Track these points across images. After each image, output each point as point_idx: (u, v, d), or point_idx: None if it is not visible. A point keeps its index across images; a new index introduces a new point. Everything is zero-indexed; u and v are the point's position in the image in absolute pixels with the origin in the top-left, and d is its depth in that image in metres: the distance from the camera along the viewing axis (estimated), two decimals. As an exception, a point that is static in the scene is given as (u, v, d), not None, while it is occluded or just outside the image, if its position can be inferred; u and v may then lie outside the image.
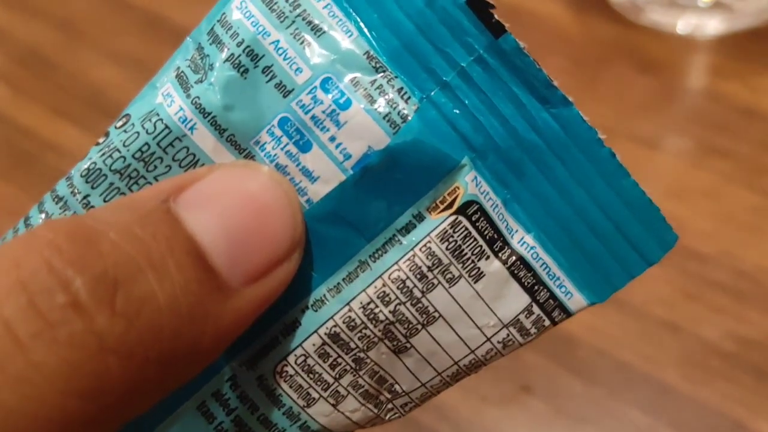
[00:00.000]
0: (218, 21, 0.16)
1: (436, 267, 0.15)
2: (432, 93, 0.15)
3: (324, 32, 0.15)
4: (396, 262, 0.15)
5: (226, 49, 0.15)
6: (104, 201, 0.16)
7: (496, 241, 0.16)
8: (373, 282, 0.16)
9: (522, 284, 0.16)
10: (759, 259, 0.36)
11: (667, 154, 0.41)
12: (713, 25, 0.45)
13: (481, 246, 0.16)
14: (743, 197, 0.38)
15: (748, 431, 0.31)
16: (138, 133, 0.15)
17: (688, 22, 0.45)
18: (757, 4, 0.45)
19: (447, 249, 0.15)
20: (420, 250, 0.15)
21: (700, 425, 0.31)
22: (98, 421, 0.13)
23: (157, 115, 0.15)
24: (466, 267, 0.16)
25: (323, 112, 0.15)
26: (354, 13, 0.15)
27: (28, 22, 0.52)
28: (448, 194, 0.15)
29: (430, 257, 0.15)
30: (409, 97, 0.15)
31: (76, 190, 0.16)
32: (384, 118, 0.15)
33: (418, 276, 0.15)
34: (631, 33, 0.46)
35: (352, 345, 0.16)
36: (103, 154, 0.16)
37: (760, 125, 0.41)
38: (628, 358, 0.33)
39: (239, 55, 0.15)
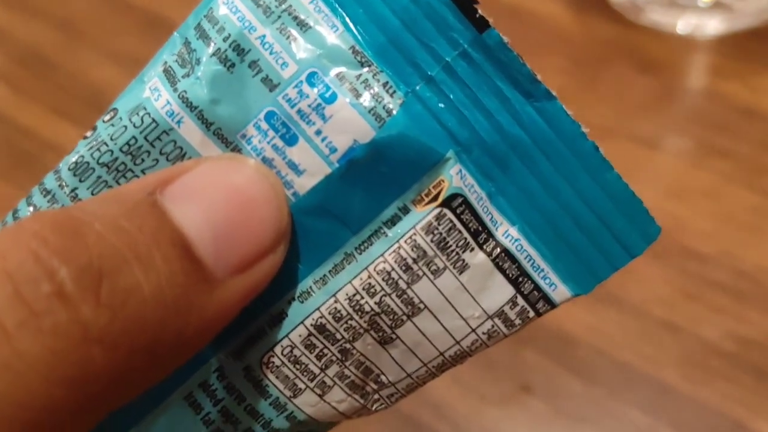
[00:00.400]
0: (205, 16, 0.16)
1: (422, 259, 0.16)
2: (417, 87, 0.15)
3: (310, 27, 0.15)
4: (381, 254, 0.16)
5: (212, 44, 0.15)
6: (92, 194, 0.16)
7: (481, 234, 0.16)
8: (359, 274, 0.16)
9: (506, 276, 0.16)
10: (759, 259, 0.36)
11: (667, 154, 0.41)
12: (713, 25, 0.45)
13: (465, 238, 0.16)
14: (743, 197, 0.38)
15: (748, 431, 0.31)
16: (125, 126, 0.16)
17: (688, 22, 0.45)
18: (757, 4, 0.45)
19: (432, 241, 0.16)
20: (405, 242, 0.16)
21: (700, 425, 0.31)
22: (84, 409, 0.13)
23: (145, 108, 0.16)
24: (451, 259, 0.16)
25: (309, 106, 0.15)
26: (340, 9, 0.15)
27: (28, 22, 0.52)
28: (433, 187, 0.15)
29: (415, 249, 0.16)
30: (395, 92, 0.15)
31: (63, 183, 0.16)
32: (369, 112, 0.15)
33: (404, 268, 0.16)
34: (631, 33, 0.46)
35: (338, 336, 0.16)
36: (91, 148, 0.16)
37: (760, 125, 0.41)
38: (628, 358, 0.33)
39: (226, 50, 0.15)
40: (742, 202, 0.38)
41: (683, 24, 0.45)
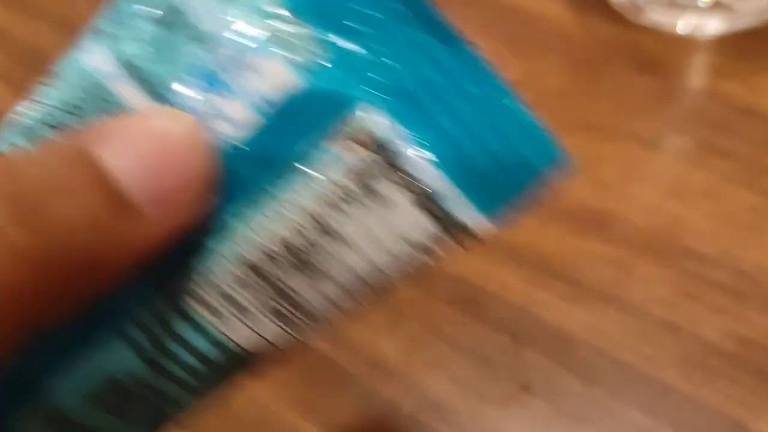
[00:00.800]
0: None
1: (344, 195, 0.16)
2: (341, 40, 0.16)
3: None
4: (304, 192, 0.16)
5: (147, 4, 0.16)
6: None
7: (398, 170, 0.17)
8: (284, 212, 0.17)
9: (423, 208, 0.17)
10: (759, 259, 0.36)
11: (667, 154, 0.41)
12: (713, 25, 0.45)
13: (384, 174, 0.16)
14: (743, 197, 0.38)
15: (748, 431, 0.31)
16: (63, 86, 0.17)
17: (688, 22, 0.45)
18: (757, 4, 0.45)
19: (351, 178, 0.16)
20: (326, 179, 0.16)
21: (700, 425, 0.31)
22: (13, 329, 0.15)
23: (82, 69, 0.17)
24: (370, 194, 0.17)
25: (239, 59, 0.16)
26: None
27: (28, 22, 0.52)
28: (354, 129, 0.16)
29: (337, 187, 0.16)
30: (321, 44, 0.16)
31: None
32: (296, 64, 0.16)
33: (328, 205, 0.16)
34: (631, 33, 0.46)
35: (265, 271, 0.17)
36: (32, 109, 0.17)
37: (760, 125, 0.41)
38: (628, 358, 0.33)
39: (160, 9, 0.16)
40: (742, 202, 0.38)
41: (683, 24, 0.45)
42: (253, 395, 0.34)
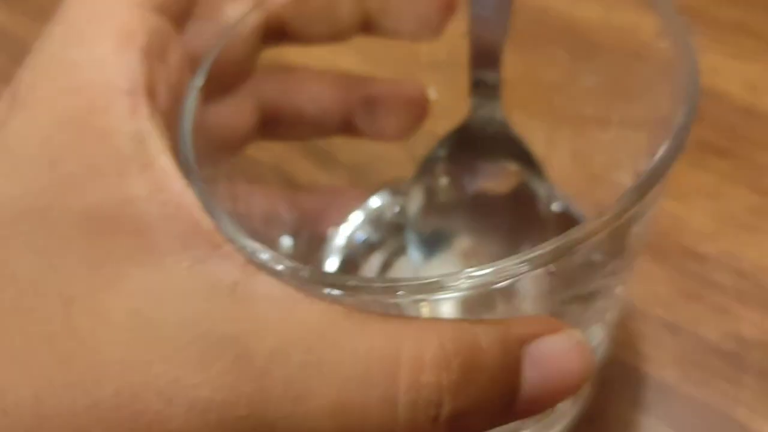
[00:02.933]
0: None
1: None
2: None
3: None
4: None
5: None
6: None
7: None
8: None
9: None
10: (759, 259, 0.36)
11: (667, 154, 0.41)
12: (713, 25, 0.45)
13: None
14: (743, 197, 0.38)
15: (748, 431, 0.31)
16: None
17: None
18: (757, 4, 0.45)
19: None
20: None
21: (700, 425, 0.31)
22: None
23: None
24: None
25: None
26: None
27: (28, 22, 0.52)
28: None
29: None
30: None
31: None
32: None
33: None
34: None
35: None
36: None
37: (760, 125, 0.41)
38: (628, 358, 0.33)
39: None
40: (742, 202, 0.38)
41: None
42: (254, 395, 0.34)
